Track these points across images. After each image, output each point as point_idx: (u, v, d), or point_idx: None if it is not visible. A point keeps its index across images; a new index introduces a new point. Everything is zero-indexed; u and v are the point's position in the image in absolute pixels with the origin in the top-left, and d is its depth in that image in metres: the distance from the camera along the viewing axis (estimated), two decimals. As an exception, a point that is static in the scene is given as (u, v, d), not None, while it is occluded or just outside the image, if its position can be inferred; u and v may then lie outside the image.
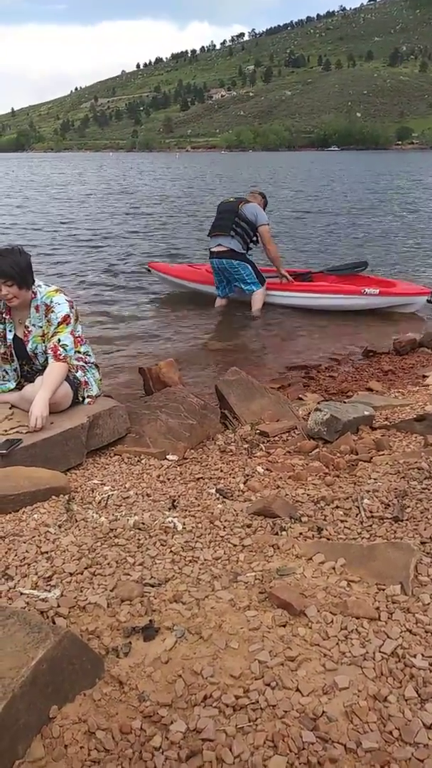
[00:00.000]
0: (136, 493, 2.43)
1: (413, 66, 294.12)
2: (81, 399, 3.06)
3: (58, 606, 1.64)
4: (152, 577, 1.79)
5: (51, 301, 2.99)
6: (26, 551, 1.94)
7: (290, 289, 6.88)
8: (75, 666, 1.36)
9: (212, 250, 6.79)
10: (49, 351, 2.94)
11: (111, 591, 1.73)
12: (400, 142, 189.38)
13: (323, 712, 1.29)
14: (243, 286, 6.82)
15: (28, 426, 2.73)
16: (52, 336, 2.97)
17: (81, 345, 3.19)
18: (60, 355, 2.92)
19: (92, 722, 1.28)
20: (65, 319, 2.97)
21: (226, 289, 7.01)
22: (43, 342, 3.03)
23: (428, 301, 6.69)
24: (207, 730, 1.25)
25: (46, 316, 3.01)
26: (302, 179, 33.68)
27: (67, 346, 2.94)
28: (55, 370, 2.88)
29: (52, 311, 2.98)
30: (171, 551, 1.95)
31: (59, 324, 2.97)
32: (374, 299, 6.64)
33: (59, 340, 2.94)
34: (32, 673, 1.25)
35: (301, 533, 2.03)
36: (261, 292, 6.81)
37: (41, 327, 3.04)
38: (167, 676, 1.40)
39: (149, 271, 7.92)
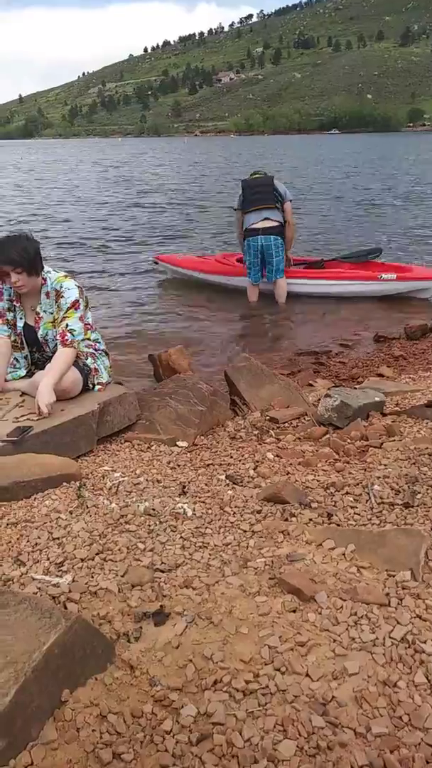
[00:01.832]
0: (147, 480, 2.44)
1: (425, 46, 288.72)
2: (91, 386, 3.07)
3: (70, 591, 1.66)
4: (163, 562, 1.80)
5: (61, 287, 2.99)
6: (38, 537, 1.96)
7: (307, 277, 6.78)
8: (86, 650, 1.37)
9: (255, 226, 6.27)
10: (58, 337, 2.95)
11: (122, 576, 1.74)
12: (411, 124, 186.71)
13: (333, 697, 1.30)
14: (274, 270, 6.45)
15: (37, 413, 2.74)
16: (61, 321, 2.97)
17: (91, 332, 3.19)
18: (68, 340, 2.92)
19: (104, 706, 1.30)
20: (74, 305, 2.97)
21: (259, 274, 6.55)
22: (54, 328, 3.04)
23: None
24: (217, 715, 1.26)
25: (56, 302, 3.01)
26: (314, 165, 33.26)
27: (75, 331, 2.94)
28: (62, 356, 2.88)
29: (62, 296, 2.98)
30: (181, 537, 1.95)
31: (68, 309, 2.97)
32: (391, 284, 6.60)
33: (67, 326, 2.94)
34: (44, 658, 1.26)
35: (311, 519, 2.03)
36: (284, 280, 6.58)
37: (52, 313, 3.04)
38: (178, 661, 1.42)
39: (156, 263, 7.88)
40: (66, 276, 3.05)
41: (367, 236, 10.43)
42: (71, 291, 2.99)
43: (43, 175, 29.05)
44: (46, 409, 2.71)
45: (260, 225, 6.29)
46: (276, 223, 6.34)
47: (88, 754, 1.21)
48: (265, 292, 6.72)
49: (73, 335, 2.94)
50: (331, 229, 11.51)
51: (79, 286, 3.04)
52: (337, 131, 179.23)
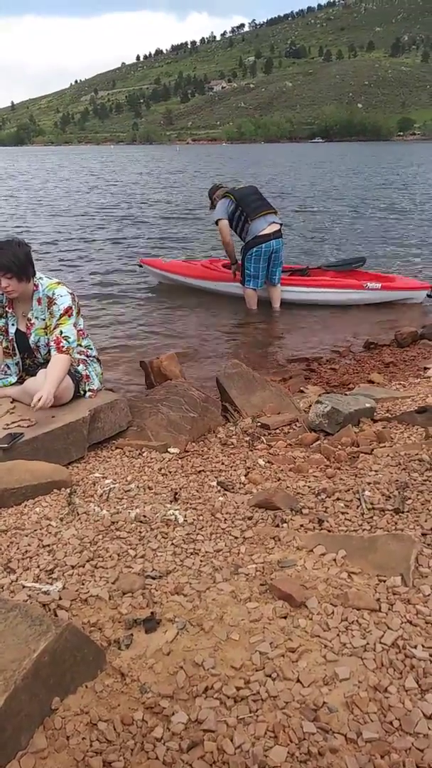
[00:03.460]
0: (138, 486, 2.44)
1: (415, 56, 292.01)
2: (82, 392, 3.06)
3: (60, 599, 1.65)
4: (153, 569, 1.80)
5: (53, 293, 2.99)
6: (28, 544, 1.95)
7: (294, 284, 6.85)
8: (77, 658, 1.36)
9: (266, 232, 6.30)
10: (52, 343, 2.94)
11: (112, 583, 1.73)
12: (401, 133, 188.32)
13: (324, 702, 1.30)
14: (278, 274, 6.54)
15: (30, 420, 2.73)
16: (54, 328, 2.96)
17: (82, 338, 3.19)
18: (63, 347, 2.92)
19: (94, 713, 1.29)
20: (67, 311, 2.97)
21: (263, 281, 6.57)
22: (46, 334, 3.03)
23: (428, 296, 6.73)
24: (208, 721, 1.26)
25: (48, 309, 3.01)
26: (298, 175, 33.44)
27: (70, 338, 2.94)
28: (58, 363, 2.88)
29: (55, 303, 2.98)
30: (172, 544, 1.95)
31: (61, 316, 2.96)
32: (376, 294, 6.70)
33: (62, 332, 2.94)
34: (34, 665, 1.26)
35: (302, 525, 2.04)
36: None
37: (44, 319, 3.04)
38: (169, 668, 1.41)
39: (140, 266, 7.88)
40: (58, 282, 3.05)
41: (350, 247, 10.49)
42: (64, 298, 2.99)
43: (33, 181, 29.04)
44: (42, 402, 2.67)
45: (270, 230, 6.36)
46: (280, 225, 6.46)
47: (78, 762, 1.20)
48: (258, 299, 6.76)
49: (68, 342, 2.93)
50: (315, 237, 11.56)
51: (71, 293, 3.04)
52: (320, 140, 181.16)
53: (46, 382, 2.79)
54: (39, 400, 2.67)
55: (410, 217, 14.08)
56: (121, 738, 1.25)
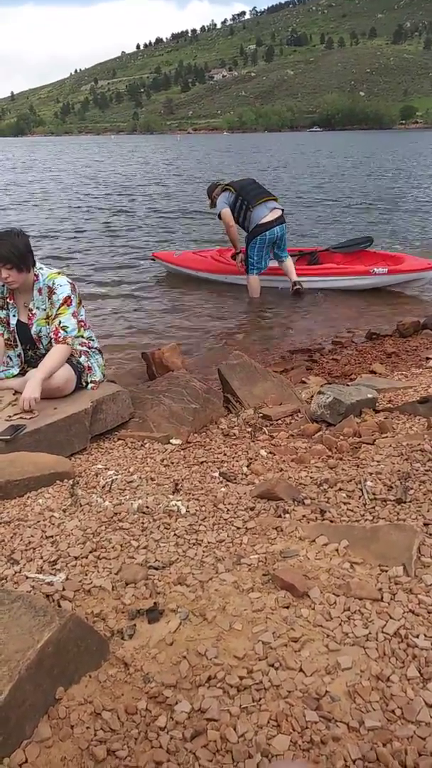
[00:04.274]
0: (140, 477, 2.44)
1: (417, 43, 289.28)
2: (84, 384, 3.06)
3: (64, 589, 1.66)
4: (156, 560, 1.81)
5: (53, 283, 2.99)
6: (31, 536, 1.96)
7: (303, 274, 6.85)
8: (80, 648, 1.37)
9: (267, 219, 6.36)
10: (51, 334, 2.95)
11: (116, 574, 1.74)
12: (404, 122, 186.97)
13: (326, 691, 1.31)
14: (283, 253, 6.63)
15: (32, 412, 2.74)
16: (54, 318, 2.97)
17: (84, 330, 3.19)
18: (60, 336, 2.92)
19: (98, 703, 1.30)
20: (66, 301, 2.97)
21: (266, 263, 6.64)
22: (47, 325, 3.03)
23: None
24: (211, 710, 1.27)
25: (49, 299, 3.01)
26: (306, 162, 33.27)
27: (68, 327, 2.94)
28: (54, 353, 2.88)
29: (54, 293, 2.98)
30: (175, 534, 1.96)
31: (61, 305, 2.97)
32: (383, 278, 6.70)
33: (60, 322, 2.94)
34: (38, 656, 1.26)
35: (304, 516, 2.04)
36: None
37: (45, 309, 3.04)
38: (172, 658, 1.42)
39: (153, 260, 7.88)
40: (58, 272, 3.05)
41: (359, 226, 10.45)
42: (63, 287, 2.99)
43: (35, 172, 28.91)
44: (27, 404, 2.70)
45: (272, 216, 6.39)
46: (282, 211, 6.48)
47: (83, 751, 1.21)
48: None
49: (66, 331, 2.93)
50: (317, 223, 11.53)
51: (71, 283, 3.04)
52: (318, 129, 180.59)
53: (36, 371, 2.81)
54: (24, 401, 2.71)
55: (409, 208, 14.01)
56: (125, 727, 1.26)
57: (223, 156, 41.27)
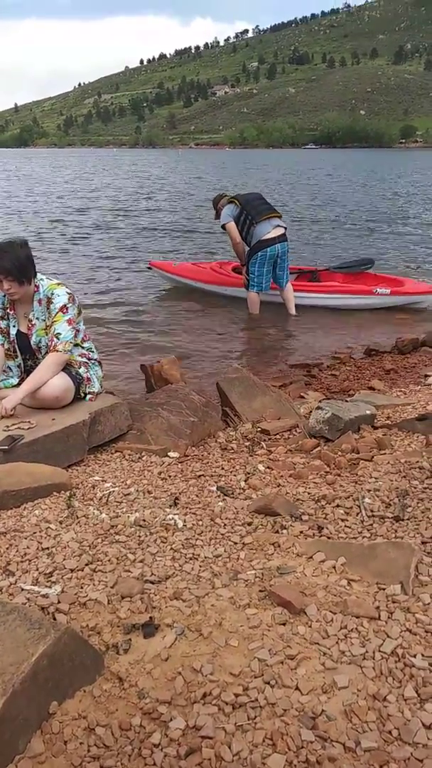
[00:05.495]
0: (137, 490, 2.43)
1: (418, 64, 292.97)
2: (83, 395, 3.06)
3: (59, 602, 1.65)
4: (153, 574, 1.80)
5: (52, 294, 3.01)
6: (27, 547, 1.95)
7: (306, 290, 6.89)
8: (75, 662, 1.36)
9: (271, 235, 6.31)
10: (49, 343, 2.97)
11: (111, 588, 1.73)
12: (404, 141, 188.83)
13: (322, 710, 1.29)
14: (285, 276, 6.57)
15: (30, 422, 2.74)
16: (50, 327, 2.99)
17: (84, 341, 3.20)
18: (54, 344, 2.95)
19: (92, 718, 1.29)
20: (62, 309, 2.99)
21: (268, 284, 6.57)
22: (47, 335, 3.05)
23: None
24: (206, 728, 1.25)
25: (48, 309, 3.02)
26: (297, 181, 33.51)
27: (61, 334, 2.96)
28: (45, 363, 2.94)
29: (52, 302, 3.00)
30: (171, 548, 1.95)
31: (56, 313, 2.99)
32: (386, 299, 6.74)
33: (54, 329, 2.96)
34: (32, 669, 1.25)
35: (301, 532, 2.03)
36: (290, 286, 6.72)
37: (44, 320, 3.05)
38: (167, 674, 1.41)
39: (150, 269, 7.88)
40: (59, 283, 3.06)
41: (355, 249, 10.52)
42: (60, 297, 3.00)
43: (42, 185, 29.08)
44: (2, 411, 2.76)
45: (275, 233, 6.36)
46: (285, 229, 6.47)
47: (76, 767, 1.19)
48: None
49: (58, 338, 2.95)
50: (318, 242, 11.59)
51: (69, 293, 3.05)
52: (313, 146, 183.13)
53: (25, 382, 2.87)
54: (4, 405, 2.79)
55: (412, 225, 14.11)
56: (118, 743, 1.24)
57: (232, 172, 41.60)
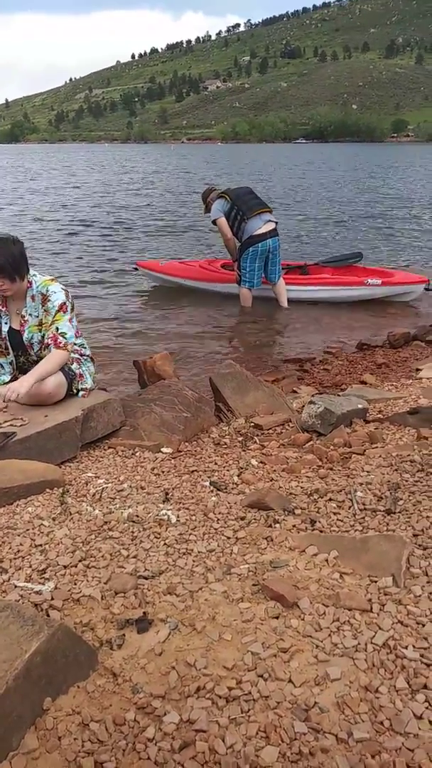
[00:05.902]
0: (130, 486, 2.44)
1: (409, 58, 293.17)
2: (75, 391, 3.06)
3: (52, 599, 1.65)
4: (146, 569, 1.80)
5: (47, 290, 2.99)
6: (20, 544, 1.95)
7: (296, 283, 6.88)
8: (69, 658, 1.36)
9: (262, 230, 6.30)
10: (50, 340, 2.95)
11: (105, 583, 1.73)
12: (395, 135, 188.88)
13: (315, 703, 1.30)
14: (277, 272, 6.57)
15: (22, 419, 2.73)
16: (50, 325, 2.96)
17: (77, 337, 3.19)
18: (60, 343, 2.93)
19: (86, 714, 1.29)
20: (62, 307, 2.97)
21: (260, 280, 6.60)
22: (39, 331, 3.03)
23: (426, 289, 6.78)
24: (200, 721, 1.26)
25: (42, 306, 3.00)
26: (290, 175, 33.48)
27: (67, 334, 2.94)
28: (51, 358, 2.89)
29: (49, 300, 2.98)
30: (165, 544, 1.95)
31: (57, 312, 2.96)
32: (376, 289, 6.76)
33: (58, 329, 2.94)
34: (26, 666, 1.25)
35: (294, 526, 2.04)
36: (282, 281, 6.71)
37: (38, 316, 3.03)
38: (161, 668, 1.41)
39: (136, 269, 7.82)
40: (52, 279, 3.05)
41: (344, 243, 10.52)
42: (57, 294, 2.98)
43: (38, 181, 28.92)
44: (10, 394, 2.70)
45: (266, 228, 6.35)
46: (275, 224, 6.46)
47: (70, 762, 1.20)
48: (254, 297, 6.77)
49: (65, 338, 2.94)
50: (308, 236, 11.60)
51: (65, 289, 3.04)
52: (303, 140, 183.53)
53: (31, 371, 2.81)
54: (8, 392, 2.70)
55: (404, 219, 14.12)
56: (112, 738, 1.25)
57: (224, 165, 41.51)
